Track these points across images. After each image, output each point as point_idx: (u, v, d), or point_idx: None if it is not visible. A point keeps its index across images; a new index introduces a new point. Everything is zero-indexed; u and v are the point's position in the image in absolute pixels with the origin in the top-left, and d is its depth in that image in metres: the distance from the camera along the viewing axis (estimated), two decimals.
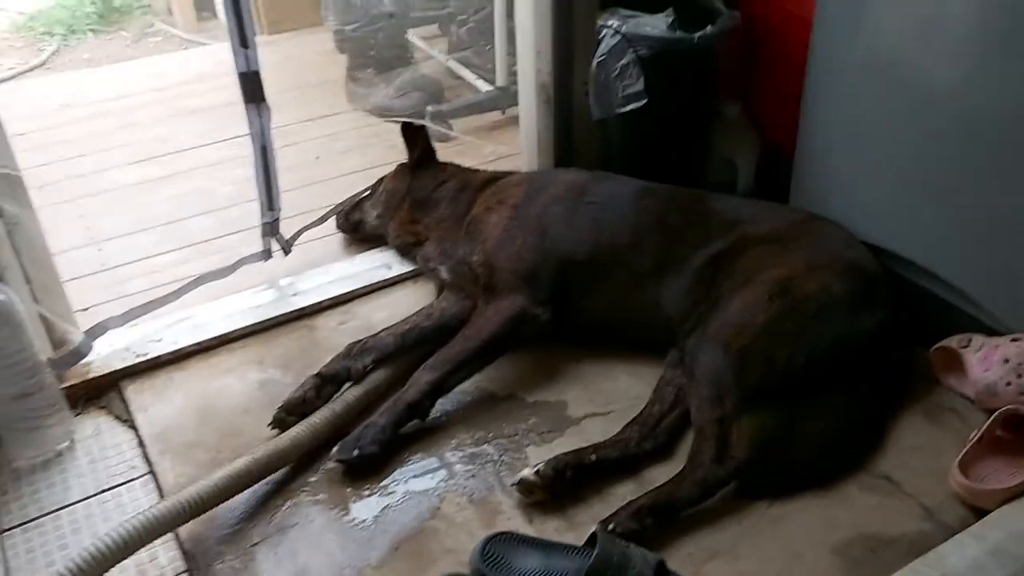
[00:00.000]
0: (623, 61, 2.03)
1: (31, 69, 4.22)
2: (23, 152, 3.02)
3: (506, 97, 3.07)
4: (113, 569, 1.42)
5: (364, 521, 1.65)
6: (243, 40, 1.81)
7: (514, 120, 3.07)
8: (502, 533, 1.52)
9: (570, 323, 2.00)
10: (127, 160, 2.99)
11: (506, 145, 2.95)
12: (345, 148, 3.05)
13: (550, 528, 1.62)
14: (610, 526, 1.54)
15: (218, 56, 3.85)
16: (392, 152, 2.92)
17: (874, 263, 1.88)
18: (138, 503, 1.68)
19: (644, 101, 2.05)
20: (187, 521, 1.53)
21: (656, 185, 2.09)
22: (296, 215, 2.43)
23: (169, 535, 1.55)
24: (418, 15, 3.56)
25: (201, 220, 2.64)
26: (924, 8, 1.75)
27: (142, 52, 4.40)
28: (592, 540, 1.52)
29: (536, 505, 1.66)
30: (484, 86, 3.19)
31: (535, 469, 1.65)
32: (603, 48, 2.06)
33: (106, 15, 4.80)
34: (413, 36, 3.51)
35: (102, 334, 1.99)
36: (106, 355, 2.01)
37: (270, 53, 3.80)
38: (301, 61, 3.76)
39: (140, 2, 4.93)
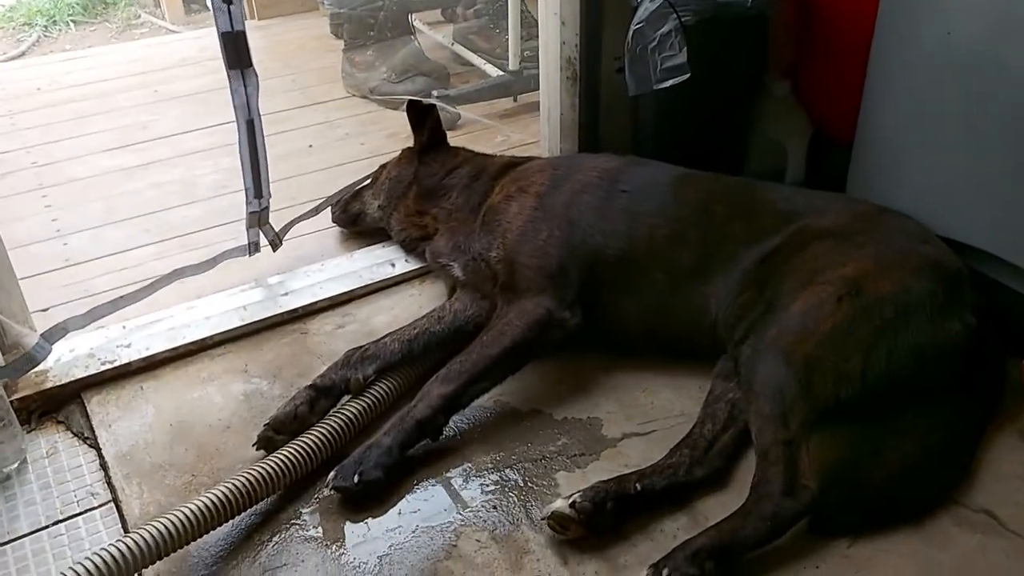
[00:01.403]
0: (663, 29, 1.78)
1: (9, 60, 3.99)
2: None
3: (519, 82, 2.85)
4: None
5: (366, 562, 1.41)
6: None
7: (527, 107, 2.86)
8: None
9: (601, 328, 1.77)
10: (102, 147, 2.76)
11: (520, 133, 2.70)
12: (342, 136, 2.82)
13: (588, 571, 1.38)
14: (664, 572, 1.31)
15: (204, 42, 3.63)
16: (393, 140, 2.72)
17: (956, 260, 1.65)
18: (98, 537, 1.47)
19: (687, 75, 1.80)
20: (156, 560, 1.34)
21: (698, 172, 1.87)
22: (287, 207, 2.21)
23: None
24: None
25: (182, 211, 2.41)
26: None
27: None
28: None
29: (571, 543, 1.42)
30: (494, 71, 2.95)
31: (570, 500, 1.41)
32: (640, 14, 1.81)
33: (90, 6, 4.61)
34: (416, 21, 3.27)
35: (61, 337, 1.74)
36: (66, 362, 1.78)
37: (260, 38, 3.59)
38: (294, 46, 3.54)
39: None
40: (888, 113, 1.83)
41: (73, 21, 4.46)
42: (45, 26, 4.38)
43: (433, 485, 1.54)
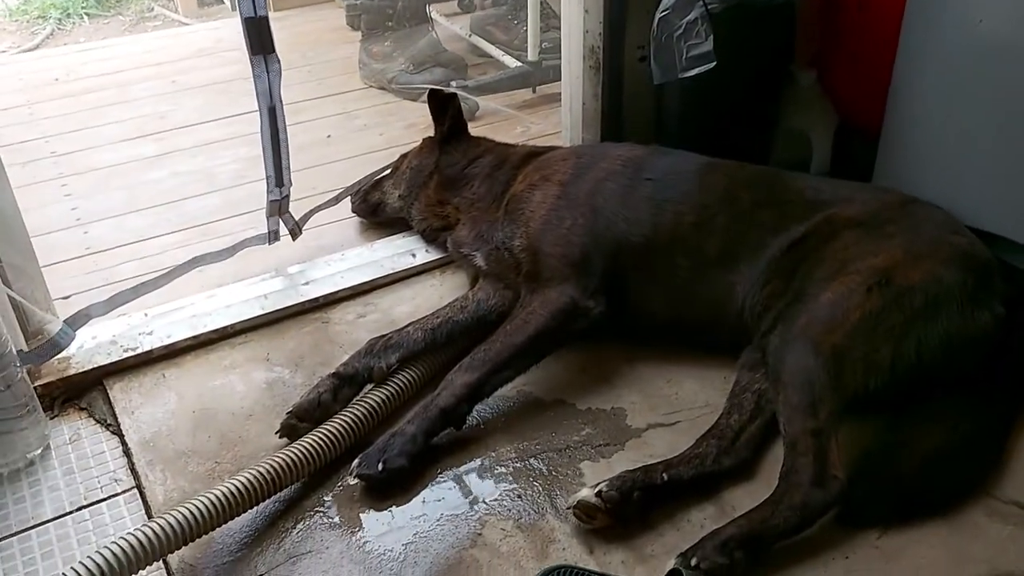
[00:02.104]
0: (689, 17, 1.77)
1: (24, 52, 4.00)
2: (6, 127, 2.84)
3: (538, 73, 2.82)
4: None
5: (391, 550, 1.40)
6: None
7: (547, 98, 2.85)
8: (562, 567, 1.27)
9: (625, 318, 1.76)
10: (121, 137, 2.75)
11: (540, 123, 2.69)
12: (360, 127, 2.80)
13: (615, 561, 1.36)
14: (692, 561, 1.29)
15: (220, 33, 3.62)
16: (411, 131, 2.71)
17: (985, 251, 1.63)
18: (122, 523, 1.46)
19: (712, 64, 1.78)
20: (180, 546, 1.33)
21: (722, 160, 1.85)
22: (307, 196, 2.20)
23: (158, 563, 1.34)
24: None
25: (201, 201, 2.40)
26: None
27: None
28: None
29: (597, 532, 1.41)
30: (512, 62, 2.93)
31: (597, 489, 1.40)
32: (666, 2, 1.80)
33: None
34: (433, 12, 3.26)
35: (84, 323, 1.74)
36: (88, 348, 1.77)
37: (278, 29, 3.50)
38: (311, 37, 3.52)
39: None
40: (917, 102, 1.81)
41: (87, 14, 4.47)
42: (59, 19, 4.40)
43: (457, 474, 1.53)
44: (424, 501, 1.48)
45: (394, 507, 1.47)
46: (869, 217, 1.66)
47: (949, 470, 1.46)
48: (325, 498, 1.49)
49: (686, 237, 1.72)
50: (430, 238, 2.08)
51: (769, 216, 1.71)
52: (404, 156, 2.19)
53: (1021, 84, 1.62)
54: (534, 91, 2.88)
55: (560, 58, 2.24)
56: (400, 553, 1.39)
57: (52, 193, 2.43)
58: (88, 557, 1.24)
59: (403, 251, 2.09)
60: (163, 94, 3.04)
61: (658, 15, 1.80)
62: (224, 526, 1.38)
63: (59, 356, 1.71)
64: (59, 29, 4.34)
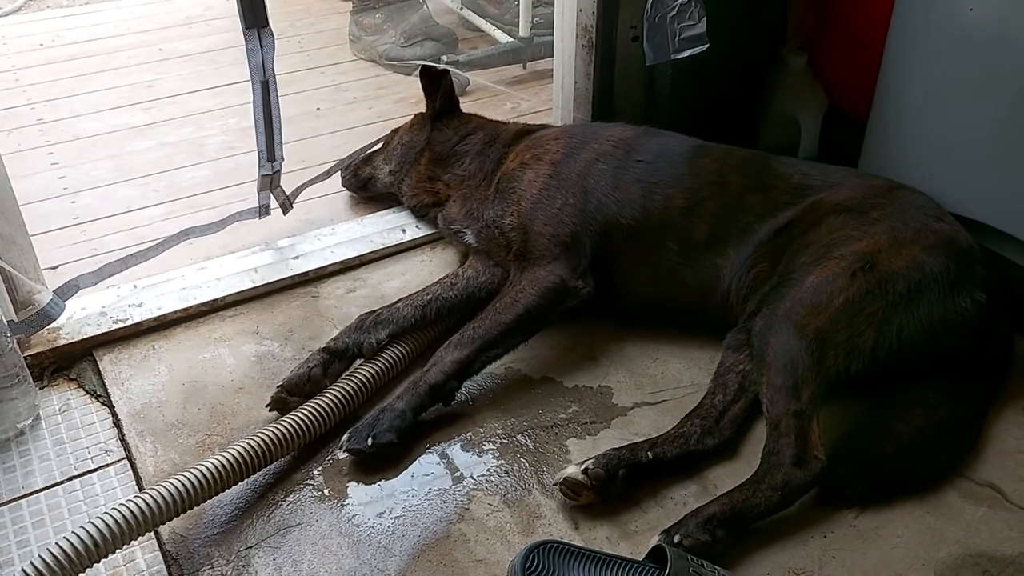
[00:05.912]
0: None
1: (6, 15, 3.92)
2: None
3: (529, 49, 2.82)
4: (83, 572, 1.23)
5: (379, 523, 1.42)
6: None
7: (537, 74, 2.85)
8: (548, 542, 1.29)
9: (613, 297, 1.78)
10: (108, 106, 2.73)
11: (530, 100, 2.68)
12: (350, 100, 2.79)
13: (600, 537, 1.39)
14: (675, 537, 1.32)
15: (208, 0, 3.56)
16: (402, 105, 2.70)
17: (968, 238, 1.65)
18: (113, 493, 1.47)
19: (705, 46, 1.79)
20: (170, 518, 1.34)
21: (713, 144, 1.86)
22: (296, 169, 2.19)
23: (149, 534, 1.35)
24: None
25: (190, 172, 2.38)
26: None
27: None
28: (654, 554, 1.29)
29: (582, 508, 1.43)
30: (503, 37, 2.92)
31: (583, 467, 1.42)
32: None
33: None
34: None
35: (73, 294, 1.74)
36: (78, 319, 1.77)
37: None
38: (299, 7, 3.48)
39: None
40: (905, 89, 1.82)
41: None
42: None
43: (445, 449, 1.55)
44: (412, 476, 1.50)
45: (383, 481, 1.49)
46: (855, 203, 1.68)
47: (926, 453, 1.50)
48: (314, 472, 1.50)
49: (675, 220, 1.73)
50: (420, 214, 2.09)
51: (758, 201, 1.72)
52: (395, 131, 2.19)
53: (1008, 72, 1.63)
54: (524, 67, 2.87)
55: (551, 34, 2.23)
56: (388, 526, 1.41)
57: (39, 161, 2.41)
58: (81, 527, 1.25)
59: (393, 226, 2.09)
60: (150, 62, 3.00)
61: None
62: (215, 498, 1.39)
63: (49, 326, 1.71)
64: None
